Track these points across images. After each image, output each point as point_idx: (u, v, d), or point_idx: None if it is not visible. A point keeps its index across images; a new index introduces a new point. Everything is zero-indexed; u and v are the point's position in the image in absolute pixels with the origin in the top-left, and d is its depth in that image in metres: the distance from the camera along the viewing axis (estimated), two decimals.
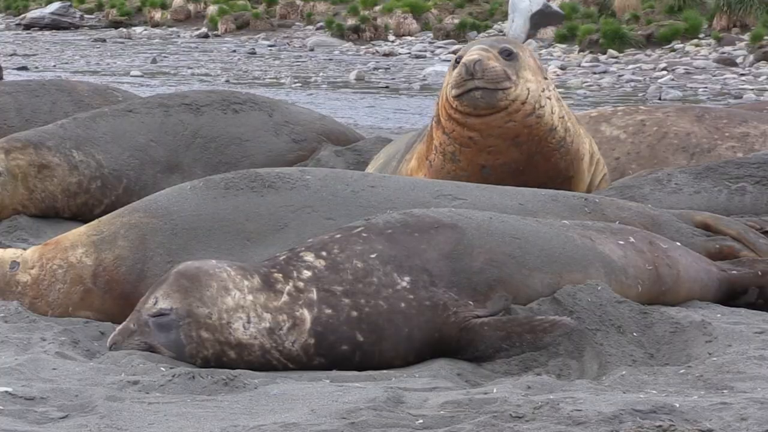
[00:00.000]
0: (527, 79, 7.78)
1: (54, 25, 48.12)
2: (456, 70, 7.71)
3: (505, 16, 39.16)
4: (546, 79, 7.97)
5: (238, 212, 6.35)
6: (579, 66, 31.12)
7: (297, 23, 45.45)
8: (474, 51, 7.73)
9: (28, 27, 48.14)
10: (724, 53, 31.29)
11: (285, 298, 5.50)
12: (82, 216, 9.32)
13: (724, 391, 4.98)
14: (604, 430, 4.40)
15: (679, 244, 6.46)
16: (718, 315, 6.06)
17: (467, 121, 7.76)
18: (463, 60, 7.67)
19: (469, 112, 7.72)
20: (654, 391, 4.99)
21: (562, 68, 30.50)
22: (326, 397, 4.92)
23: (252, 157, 9.84)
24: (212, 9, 46.89)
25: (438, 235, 5.73)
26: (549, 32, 36.62)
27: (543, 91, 7.86)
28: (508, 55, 7.76)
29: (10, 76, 20.41)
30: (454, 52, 35.24)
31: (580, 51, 33.68)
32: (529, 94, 7.76)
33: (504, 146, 7.80)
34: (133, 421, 4.65)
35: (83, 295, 6.37)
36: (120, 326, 5.65)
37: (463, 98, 7.69)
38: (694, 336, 5.68)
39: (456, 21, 39.97)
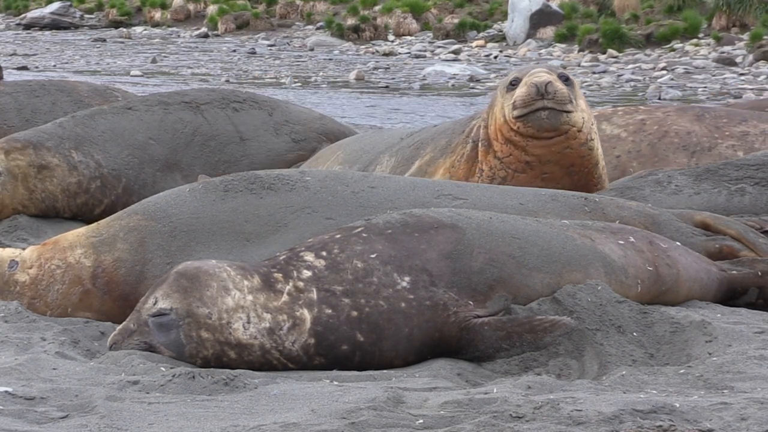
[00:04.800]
0: (582, 108, 7.84)
1: (54, 25, 48.12)
2: (524, 90, 7.68)
3: (504, 16, 39.17)
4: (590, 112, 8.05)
5: (237, 214, 6.34)
6: (579, 66, 31.13)
7: (297, 23, 45.45)
8: (541, 73, 7.73)
9: (28, 27, 48.14)
10: (723, 53, 31.30)
11: (285, 298, 5.50)
12: (82, 216, 9.33)
13: (724, 391, 4.98)
14: (604, 430, 4.40)
15: (679, 243, 6.46)
16: (718, 315, 6.06)
17: (527, 144, 7.76)
18: (533, 81, 7.66)
19: (531, 134, 7.73)
20: (654, 391, 4.99)
21: (562, 68, 30.47)
22: (326, 397, 4.92)
23: (251, 156, 9.84)
24: (212, 9, 46.89)
25: (438, 235, 5.73)
26: (549, 32, 36.64)
27: (593, 124, 7.95)
28: (565, 80, 7.79)
29: (10, 76, 20.41)
30: (454, 52, 35.50)
31: (579, 51, 33.69)
32: (584, 122, 7.81)
33: (559, 174, 7.82)
34: (133, 421, 4.65)
35: (82, 296, 6.37)
36: (120, 326, 5.65)
37: (528, 118, 7.69)
38: (694, 336, 5.68)
39: (456, 21, 39.97)
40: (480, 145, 8.04)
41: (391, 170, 8.59)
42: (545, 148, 7.76)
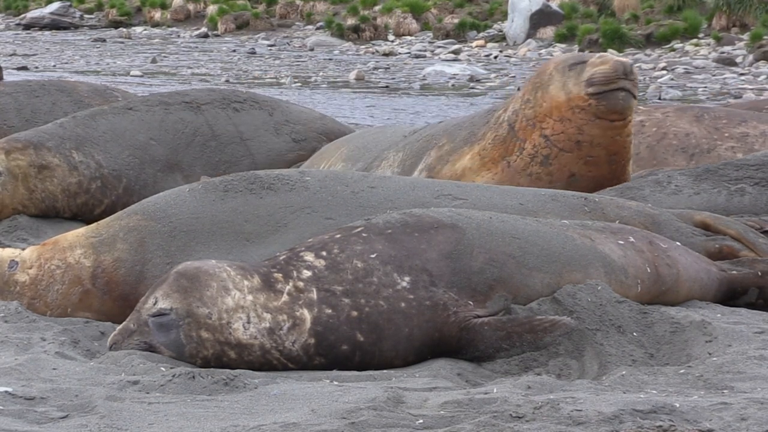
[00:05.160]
0: None
1: (54, 25, 48.11)
2: (607, 68, 7.70)
3: (504, 16, 39.17)
4: None
5: (236, 214, 6.34)
6: None
7: (297, 23, 45.44)
8: (617, 57, 7.81)
9: (28, 27, 48.13)
10: (723, 53, 31.30)
11: (285, 298, 5.50)
12: (82, 216, 9.33)
13: (724, 391, 4.98)
14: (604, 430, 4.40)
15: (678, 243, 6.46)
16: (718, 315, 6.06)
17: (587, 123, 7.77)
18: (617, 59, 7.72)
19: (599, 113, 7.75)
20: (654, 391, 4.99)
21: None
22: (326, 397, 4.92)
23: (252, 156, 9.84)
24: (212, 9, 46.88)
25: (438, 235, 5.73)
26: (549, 32, 36.64)
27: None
28: None
29: (10, 76, 20.40)
30: (454, 52, 35.48)
31: (579, 51, 33.67)
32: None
33: (603, 159, 7.86)
34: (133, 421, 4.65)
35: (82, 296, 6.37)
36: (120, 326, 5.65)
37: (606, 96, 7.72)
38: (694, 336, 5.68)
39: (455, 21, 39.96)
40: (525, 123, 8.01)
41: (399, 164, 8.59)
42: (602, 130, 7.78)
